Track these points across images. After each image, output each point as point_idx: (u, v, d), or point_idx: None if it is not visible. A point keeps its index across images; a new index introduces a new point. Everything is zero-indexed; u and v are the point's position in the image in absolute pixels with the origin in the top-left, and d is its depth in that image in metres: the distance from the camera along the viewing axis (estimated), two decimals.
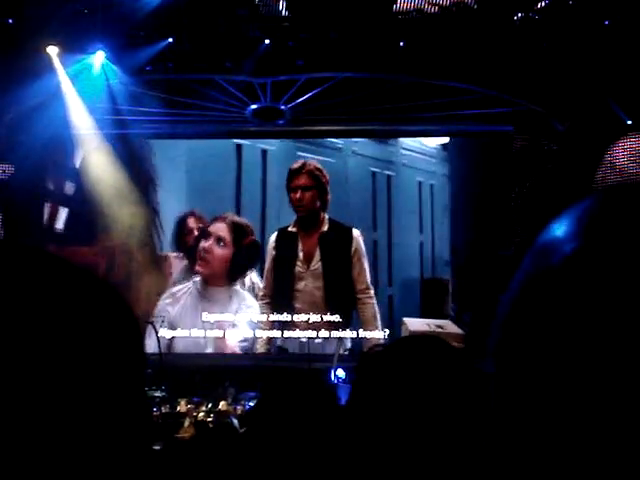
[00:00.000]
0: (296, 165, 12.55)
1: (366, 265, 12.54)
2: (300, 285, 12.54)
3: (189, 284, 12.46)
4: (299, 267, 12.55)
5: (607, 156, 10.74)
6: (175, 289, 12.49)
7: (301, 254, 12.58)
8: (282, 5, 10.40)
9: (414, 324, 11.07)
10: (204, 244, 12.30)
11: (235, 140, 13.05)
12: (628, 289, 0.57)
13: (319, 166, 12.55)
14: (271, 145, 13.19)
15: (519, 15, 10.11)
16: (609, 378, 0.57)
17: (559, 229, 0.65)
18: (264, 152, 13.27)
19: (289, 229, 12.71)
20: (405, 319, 11.50)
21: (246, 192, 13.17)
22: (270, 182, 13.13)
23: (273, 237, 12.78)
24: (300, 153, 13.03)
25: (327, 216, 12.62)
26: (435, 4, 10.04)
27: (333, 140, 13.33)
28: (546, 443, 0.61)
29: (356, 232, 12.61)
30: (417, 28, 10.23)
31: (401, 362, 1.41)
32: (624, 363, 0.57)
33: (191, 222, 12.76)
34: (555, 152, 11.29)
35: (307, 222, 12.58)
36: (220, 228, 12.34)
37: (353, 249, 12.53)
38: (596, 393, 0.57)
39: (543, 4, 9.94)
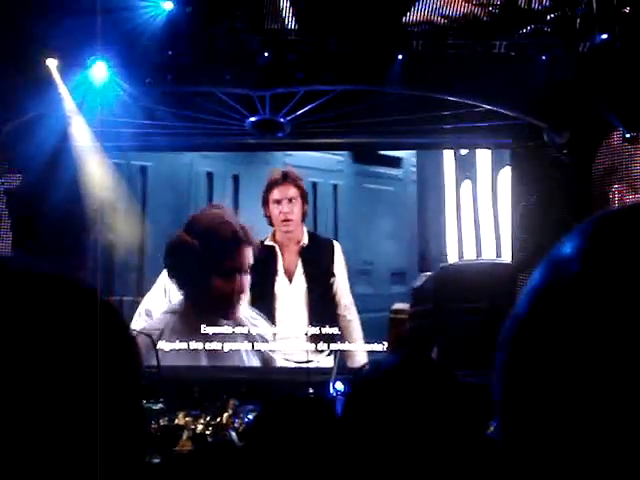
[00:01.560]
0: (277, 175, 12.25)
1: (347, 280, 12.23)
2: (281, 303, 12.04)
3: (167, 316, 11.98)
4: (280, 284, 12.07)
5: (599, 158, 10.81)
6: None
7: (282, 270, 12.12)
8: (289, 17, 10.39)
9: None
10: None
11: (311, 179, 13.07)
12: (634, 313, 0.57)
13: (298, 174, 12.40)
14: (340, 180, 13.47)
15: (529, 28, 10.14)
16: (612, 397, 0.57)
17: (568, 247, 0.64)
18: (335, 186, 13.39)
19: (266, 242, 12.20)
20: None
21: (321, 223, 13.34)
22: (341, 213, 13.33)
23: None
24: (366, 185, 13.49)
25: (305, 228, 12.41)
26: (445, 16, 10.05)
27: (393, 172, 13.46)
28: (556, 462, 0.60)
29: (338, 245, 12.39)
30: (422, 40, 10.25)
31: (393, 379, 1.41)
32: (625, 381, 0.56)
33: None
34: (559, 163, 11.31)
35: (290, 235, 12.18)
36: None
37: (336, 263, 12.23)
38: (601, 410, 0.57)
39: (552, 16, 9.97)
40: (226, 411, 10.28)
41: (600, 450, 0.57)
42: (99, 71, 10.68)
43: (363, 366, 11.43)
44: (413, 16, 10.22)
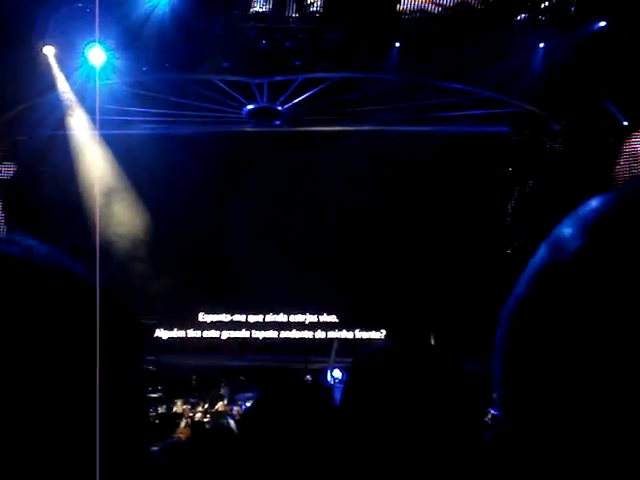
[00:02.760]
0: None
1: None
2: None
3: None
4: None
5: (625, 147, 10.74)
6: None
7: None
8: (288, 4, 10.35)
9: None
10: None
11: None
12: (630, 287, 0.58)
13: None
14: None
15: (522, 16, 10.12)
16: (608, 375, 0.58)
17: (567, 227, 0.66)
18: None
19: None
20: None
21: None
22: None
23: None
24: None
25: None
26: (439, 4, 10.02)
27: None
28: (556, 444, 0.61)
29: None
30: (417, 28, 10.22)
31: (392, 365, 1.42)
32: (620, 361, 0.58)
33: None
34: (555, 152, 11.30)
35: None
36: None
37: None
38: (596, 389, 0.58)
39: (546, 4, 9.95)
40: (221, 399, 10.30)
41: (599, 424, 0.58)
42: (97, 59, 10.65)
43: (360, 351, 11.39)
44: (406, 4, 10.18)
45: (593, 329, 0.59)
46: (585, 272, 0.60)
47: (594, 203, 0.65)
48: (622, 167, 10.71)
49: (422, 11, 10.18)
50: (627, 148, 10.73)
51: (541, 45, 10.28)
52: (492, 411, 8.37)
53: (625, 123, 10.48)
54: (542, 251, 0.67)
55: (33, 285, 0.68)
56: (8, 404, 0.63)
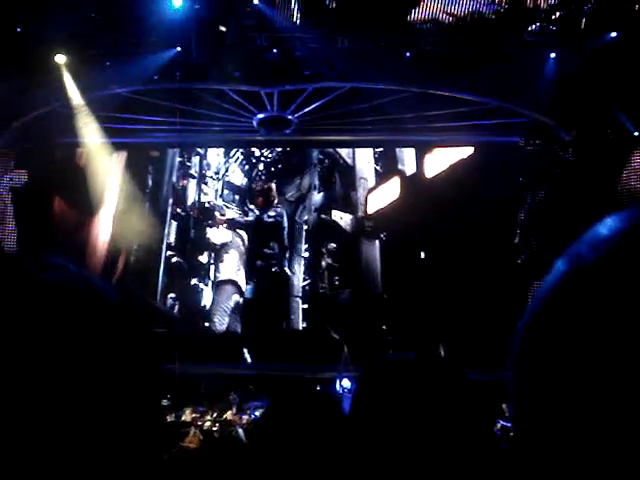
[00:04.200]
0: None
1: None
2: None
3: None
4: None
5: (632, 162, 10.71)
6: None
7: None
8: (295, 13, 10.38)
9: None
10: None
11: None
12: None
13: None
14: None
15: (534, 26, 10.11)
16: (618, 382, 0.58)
17: (584, 243, 0.66)
18: None
19: None
20: None
21: None
22: None
23: None
24: None
25: None
26: (451, 14, 10.03)
27: None
28: (569, 457, 0.61)
29: None
30: (428, 38, 10.24)
31: (401, 376, 1.42)
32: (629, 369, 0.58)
33: None
34: (566, 162, 11.26)
35: None
36: None
37: None
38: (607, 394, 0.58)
39: (557, 15, 9.95)
40: (230, 408, 10.27)
41: (614, 437, 0.58)
42: (107, 67, 10.69)
43: (369, 361, 11.43)
44: (419, 14, 10.19)
45: (610, 344, 0.59)
46: (600, 287, 0.61)
47: (610, 221, 0.65)
48: (631, 178, 10.68)
49: (434, 21, 10.19)
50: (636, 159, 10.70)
51: (552, 55, 10.26)
52: (501, 422, 8.36)
53: (636, 133, 10.45)
54: (558, 266, 0.67)
55: (69, 307, 0.69)
56: (36, 412, 0.63)
